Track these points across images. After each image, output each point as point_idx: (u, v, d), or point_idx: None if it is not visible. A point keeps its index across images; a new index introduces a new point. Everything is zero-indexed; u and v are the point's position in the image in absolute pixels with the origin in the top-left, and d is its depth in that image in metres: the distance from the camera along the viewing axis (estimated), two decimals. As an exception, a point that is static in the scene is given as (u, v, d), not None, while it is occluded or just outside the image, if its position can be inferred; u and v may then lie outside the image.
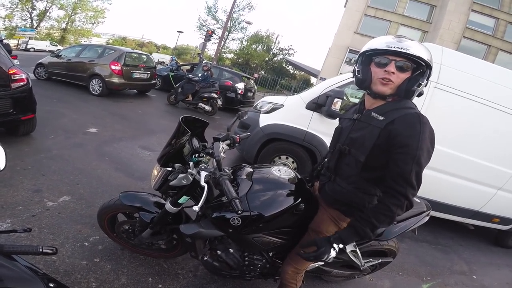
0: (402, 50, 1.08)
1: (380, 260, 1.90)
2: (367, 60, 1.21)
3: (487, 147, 3.12)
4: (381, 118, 1.17)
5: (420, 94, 1.20)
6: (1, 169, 0.90)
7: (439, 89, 3.05)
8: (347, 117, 1.41)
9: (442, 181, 3.18)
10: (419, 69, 1.14)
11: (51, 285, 0.79)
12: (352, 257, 1.66)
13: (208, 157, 1.46)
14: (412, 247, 3.12)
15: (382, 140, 1.14)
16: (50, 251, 0.73)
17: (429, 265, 2.90)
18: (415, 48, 1.09)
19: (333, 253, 1.20)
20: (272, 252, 1.60)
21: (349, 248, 1.63)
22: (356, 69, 1.24)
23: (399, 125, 1.10)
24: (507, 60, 16.28)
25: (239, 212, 1.08)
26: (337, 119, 1.56)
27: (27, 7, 30.50)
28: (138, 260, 1.95)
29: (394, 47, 1.09)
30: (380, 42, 1.15)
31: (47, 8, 31.73)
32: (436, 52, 3.08)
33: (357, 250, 1.66)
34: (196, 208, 1.16)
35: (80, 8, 32.89)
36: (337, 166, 1.34)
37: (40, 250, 0.72)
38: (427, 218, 1.77)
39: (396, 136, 1.10)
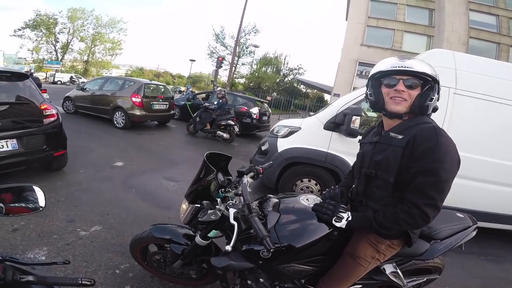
0: (407, 69, 1.15)
1: (425, 278, 1.79)
2: (377, 83, 1.27)
3: None
4: (400, 137, 1.19)
5: (435, 109, 1.23)
6: (42, 207, 0.98)
7: (459, 95, 2.99)
8: (367, 141, 1.43)
9: (480, 190, 3.05)
10: (427, 84, 1.18)
11: None
12: (393, 278, 1.58)
13: (234, 192, 1.48)
14: (457, 260, 2.92)
15: (406, 158, 1.15)
16: (88, 283, 0.76)
17: (480, 277, 2.71)
18: (418, 65, 1.16)
19: (339, 223, 1.24)
20: (304, 279, 1.56)
21: (388, 269, 1.56)
22: (368, 93, 1.30)
23: (417, 140, 1.12)
24: (520, 56, 15.93)
25: (271, 250, 1.09)
26: (358, 143, 1.57)
27: (51, 39, 33.12)
28: (167, 288, 1.97)
29: (398, 67, 1.16)
30: (385, 64, 1.22)
31: (69, 41, 34.50)
32: (448, 57, 3.08)
33: (398, 270, 1.59)
34: (228, 248, 1.16)
35: (98, 40, 35.59)
36: (367, 190, 1.33)
37: (80, 282, 0.75)
38: (474, 233, 1.67)
39: (415, 151, 1.12)
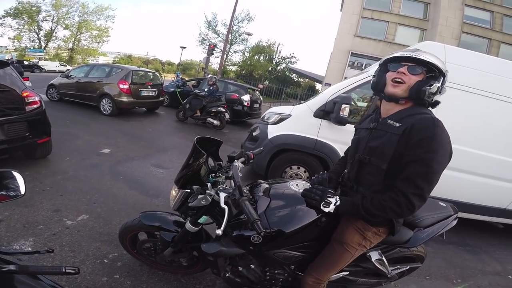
0: (413, 56, 1.19)
1: (409, 267, 1.86)
2: (385, 68, 1.31)
3: (503, 141, 3.08)
4: (397, 124, 1.21)
5: (436, 103, 1.25)
6: (22, 194, 0.94)
7: (448, 87, 3.05)
8: (363, 127, 1.44)
9: (462, 180, 3.13)
10: (431, 73, 1.21)
11: None
12: (378, 266, 1.63)
13: (225, 176, 1.46)
14: (438, 250, 3.03)
15: (401, 146, 1.16)
16: (72, 271, 0.74)
17: (459, 267, 2.82)
18: (426, 55, 1.19)
19: (327, 208, 1.27)
20: (294, 265, 1.59)
21: (374, 256, 1.60)
22: (373, 75, 1.36)
23: (415, 129, 1.13)
24: (509, 52, 16.16)
25: (262, 233, 1.08)
26: (346, 131, 1.59)
27: (33, 27, 31.46)
28: (157, 276, 1.97)
29: (406, 54, 1.22)
30: (396, 53, 1.29)
31: (53, 28, 32.77)
32: (439, 50, 3.10)
33: (383, 258, 1.63)
34: (219, 231, 1.17)
35: (84, 28, 33.89)
36: (358, 176, 1.35)
37: (63, 270, 0.72)
38: (454, 222, 1.73)
39: (411, 140, 1.13)
